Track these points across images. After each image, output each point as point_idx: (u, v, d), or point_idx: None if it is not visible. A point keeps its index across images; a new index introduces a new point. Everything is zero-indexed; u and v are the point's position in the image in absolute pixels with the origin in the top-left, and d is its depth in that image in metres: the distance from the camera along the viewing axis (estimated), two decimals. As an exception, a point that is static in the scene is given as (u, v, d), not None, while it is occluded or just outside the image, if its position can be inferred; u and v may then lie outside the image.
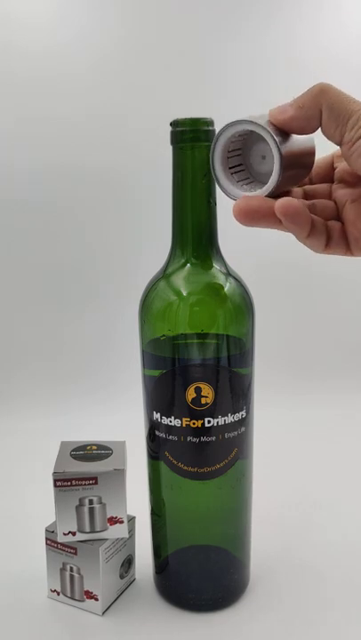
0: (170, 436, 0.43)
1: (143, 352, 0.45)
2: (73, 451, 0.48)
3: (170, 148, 0.42)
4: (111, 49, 0.94)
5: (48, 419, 0.88)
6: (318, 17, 0.96)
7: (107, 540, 0.47)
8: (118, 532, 0.47)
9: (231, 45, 0.95)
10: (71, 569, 0.48)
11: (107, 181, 0.96)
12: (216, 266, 0.43)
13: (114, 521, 0.46)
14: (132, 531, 0.50)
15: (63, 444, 0.49)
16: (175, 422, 0.43)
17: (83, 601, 0.48)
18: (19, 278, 0.97)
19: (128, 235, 0.97)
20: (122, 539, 0.48)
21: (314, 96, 0.32)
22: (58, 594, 0.49)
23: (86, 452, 0.48)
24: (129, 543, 0.50)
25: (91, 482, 0.45)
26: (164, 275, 0.43)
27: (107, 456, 0.47)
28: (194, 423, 0.42)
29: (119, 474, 0.45)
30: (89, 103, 0.94)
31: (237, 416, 0.43)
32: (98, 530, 0.46)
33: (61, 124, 0.94)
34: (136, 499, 0.49)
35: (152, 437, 0.45)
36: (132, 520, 0.50)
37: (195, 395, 0.42)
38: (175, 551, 0.48)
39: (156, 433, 0.44)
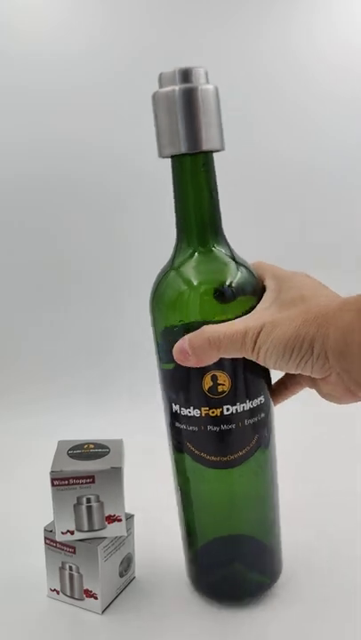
0: (190, 427, 0.43)
1: (158, 344, 0.44)
2: (70, 449, 0.48)
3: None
4: (109, 56, 0.94)
5: (42, 416, 0.88)
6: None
7: (105, 538, 0.46)
8: (116, 530, 0.47)
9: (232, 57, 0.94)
10: (70, 568, 0.47)
11: (107, 175, 0.96)
12: (223, 253, 0.43)
13: (112, 519, 0.46)
14: (130, 529, 0.50)
15: (60, 443, 0.49)
16: (194, 412, 0.42)
17: (82, 600, 0.48)
18: (15, 274, 0.96)
19: (128, 230, 0.97)
20: (120, 537, 0.48)
21: (205, 350, 0.38)
22: (57, 593, 0.49)
23: (83, 450, 0.48)
24: (128, 541, 0.50)
25: (88, 480, 0.45)
26: (173, 266, 0.43)
27: (104, 454, 0.47)
28: (213, 412, 0.42)
29: (116, 472, 0.45)
30: (90, 97, 0.94)
31: (256, 402, 0.43)
32: (96, 528, 0.46)
33: (63, 114, 0.94)
34: (134, 497, 0.49)
35: (173, 430, 0.45)
36: (130, 518, 0.50)
37: (211, 383, 0.41)
38: (206, 543, 0.47)
39: (177, 425, 0.44)
